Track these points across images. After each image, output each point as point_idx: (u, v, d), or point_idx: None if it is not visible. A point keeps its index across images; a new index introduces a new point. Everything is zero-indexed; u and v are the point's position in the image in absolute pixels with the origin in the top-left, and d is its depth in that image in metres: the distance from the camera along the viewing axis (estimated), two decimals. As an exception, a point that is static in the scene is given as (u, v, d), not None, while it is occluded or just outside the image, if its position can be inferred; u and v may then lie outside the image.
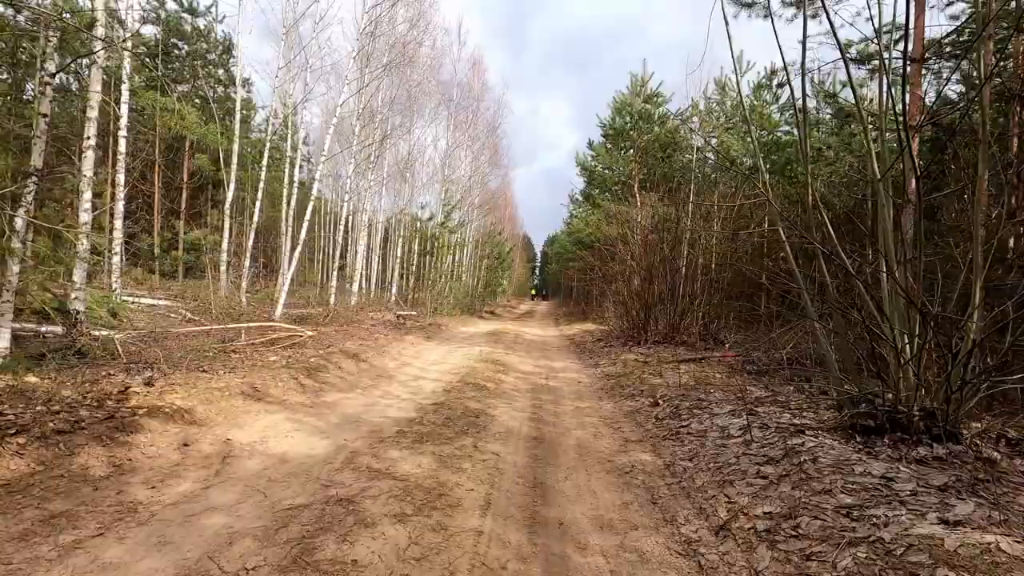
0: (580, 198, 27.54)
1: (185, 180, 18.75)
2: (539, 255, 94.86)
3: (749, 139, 17.17)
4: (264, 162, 12.40)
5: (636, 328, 10.45)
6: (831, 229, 4.24)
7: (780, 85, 15.45)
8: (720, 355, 7.91)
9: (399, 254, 22.94)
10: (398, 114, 19.56)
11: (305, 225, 10.80)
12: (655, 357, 8.27)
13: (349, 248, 23.03)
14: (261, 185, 12.36)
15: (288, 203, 12.76)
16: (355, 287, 17.13)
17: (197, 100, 19.82)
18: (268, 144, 12.89)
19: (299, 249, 10.78)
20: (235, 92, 13.11)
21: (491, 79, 49.86)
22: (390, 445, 3.74)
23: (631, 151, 19.19)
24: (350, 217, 18.57)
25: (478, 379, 6.69)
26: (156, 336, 7.40)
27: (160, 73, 17.49)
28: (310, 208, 11.23)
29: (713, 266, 11.94)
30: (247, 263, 12.44)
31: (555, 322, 23.51)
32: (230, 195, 12.70)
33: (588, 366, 8.60)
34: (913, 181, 5.03)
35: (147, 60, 18.65)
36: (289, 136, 16.84)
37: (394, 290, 22.83)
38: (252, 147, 20.21)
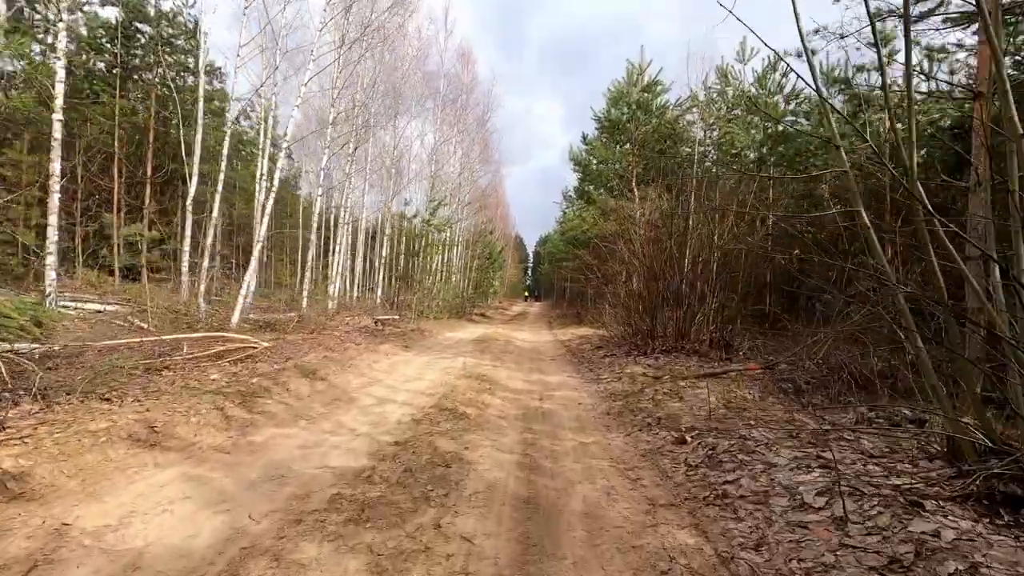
0: (574, 195, 26.44)
1: (149, 175, 17.37)
2: (532, 255, 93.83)
3: (753, 129, 16.17)
4: (224, 151, 11.11)
5: (640, 335, 9.29)
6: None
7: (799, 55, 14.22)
8: (744, 368, 6.76)
9: (385, 254, 21.71)
10: (379, 103, 18.32)
11: (265, 221, 9.55)
12: (666, 370, 7.11)
13: (331, 248, 21.81)
14: (220, 177, 11.06)
15: (265, 199, 11.48)
16: (333, 290, 15.86)
17: (164, 89, 18.46)
18: (228, 133, 11.60)
19: (259, 247, 9.52)
20: (200, 79, 11.85)
21: (481, 72, 48.67)
22: (311, 529, 2.52)
23: (628, 144, 18.07)
24: (326, 214, 17.30)
25: (457, 402, 5.49)
26: (73, 350, 6.13)
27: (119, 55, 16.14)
28: (270, 203, 9.98)
29: (716, 266, 10.81)
30: (205, 263, 11.14)
31: (548, 325, 22.35)
32: (192, 189, 11.41)
33: (588, 381, 7.41)
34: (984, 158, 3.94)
35: (105, 43, 17.25)
36: (263, 126, 15.55)
37: (379, 292, 21.59)
38: (240, 143, 18.91)
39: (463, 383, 6.58)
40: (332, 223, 20.79)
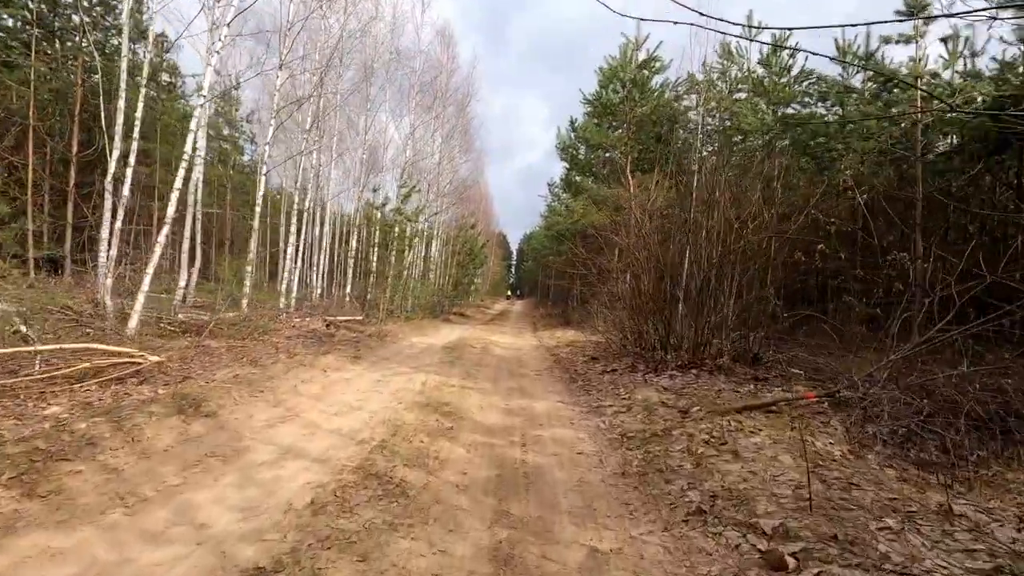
0: (560, 187, 24.63)
1: (74, 153, 15.04)
2: (515, 253, 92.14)
3: (761, 111, 14.55)
4: (137, 113, 8.96)
5: (648, 345, 7.51)
6: None
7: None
8: (797, 397, 5.00)
9: (354, 247, 19.64)
10: (345, 77, 16.26)
11: (173, 198, 7.51)
12: (693, 397, 5.32)
13: (304, 240, 19.58)
14: (133, 147, 8.92)
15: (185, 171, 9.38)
16: (285, 287, 13.81)
17: (100, 57, 16.12)
18: (143, 98, 9.46)
19: (165, 230, 7.47)
20: (126, 43, 9.74)
21: (463, 55, 46.69)
22: None
23: (622, 129, 16.30)
24: (290, 203, 15.16)
25: (399, 457, 3.62)
26: None
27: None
28: (196, 176, 7.97)
29: (737, 261, 9.05)
30: (112, 253, 9.02)
31: (532, 327, 20.54)
32: (112, 166, 9.27)
33: (587, 410, 5.58)
34: None
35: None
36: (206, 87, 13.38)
37: (349, 290, 19.53)
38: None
39: (415, 418, 4.70)
40: (293, 212, 18.67)
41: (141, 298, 7.19)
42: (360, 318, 13.70)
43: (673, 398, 5.38)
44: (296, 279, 16.66)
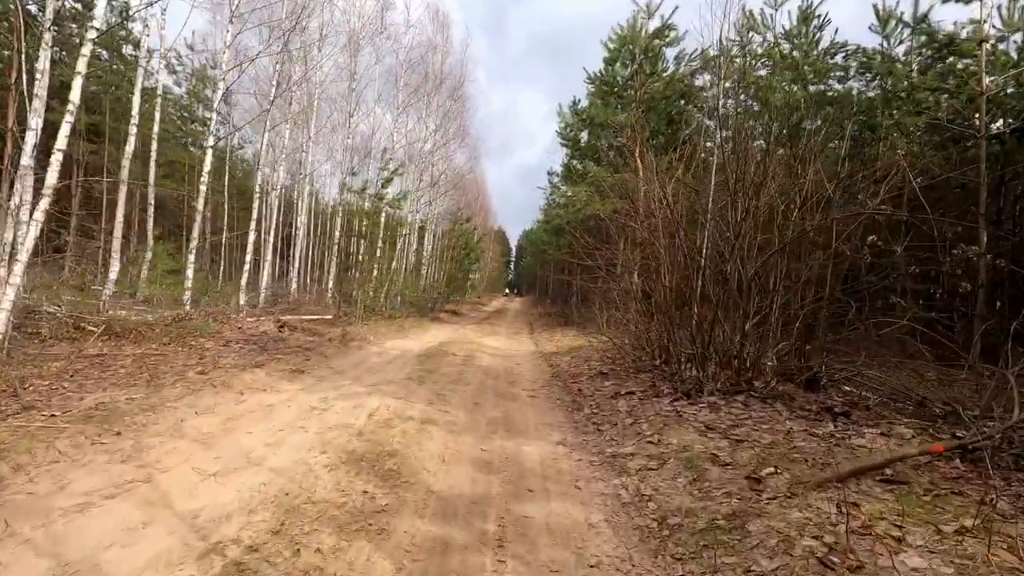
0: (560, 177, 22.85)
1: (9, 126, 13.30)
2: (514, 250, 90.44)
3: (795, 86, 12.84)
4: (76, 83, 7.18)
5: (676, 361, 5.80)
6: None
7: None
8: (924, 452, 3.29)
9: (337, 239, 17.89)
10: (318, 46, 14.49)
11: (54, 161, 5.77)
12: (757, 446, 3.60)
13: (278, 229, 17.76)
14: (38, 107, 7.16)
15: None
16: (244, 280, 12.08)
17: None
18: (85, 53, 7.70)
19: (44, 205, 5.74)
20: None
21: (455, 36, 44.85)
22: None
23: (633, 105, 14.52)
24: (273, 192, 13.38)
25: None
26: None
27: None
28: (130, 148, 6.21)
29: (783, 257, 7.29)
30: (7, 237, 7.28)
31: (529, 327, 18.81)
32: (31, 140, 7.51)
33: (601, 463, 3.84)
34: None
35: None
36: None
37: (330, 284, 17.80)
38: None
39: (334, 484, 2.98)
40: (272, 200, 16.91)
41: (10, 292, 5.45)
42: (329, 317, 11.99)
43: (727, 446, 3.66)
44: (265, 272, 14.95)
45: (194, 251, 9.24)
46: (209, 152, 9.36)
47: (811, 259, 5.51)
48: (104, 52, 16.04)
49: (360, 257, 16.61)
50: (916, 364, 6.13)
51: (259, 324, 8.91)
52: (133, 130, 9.20)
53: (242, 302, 11.90)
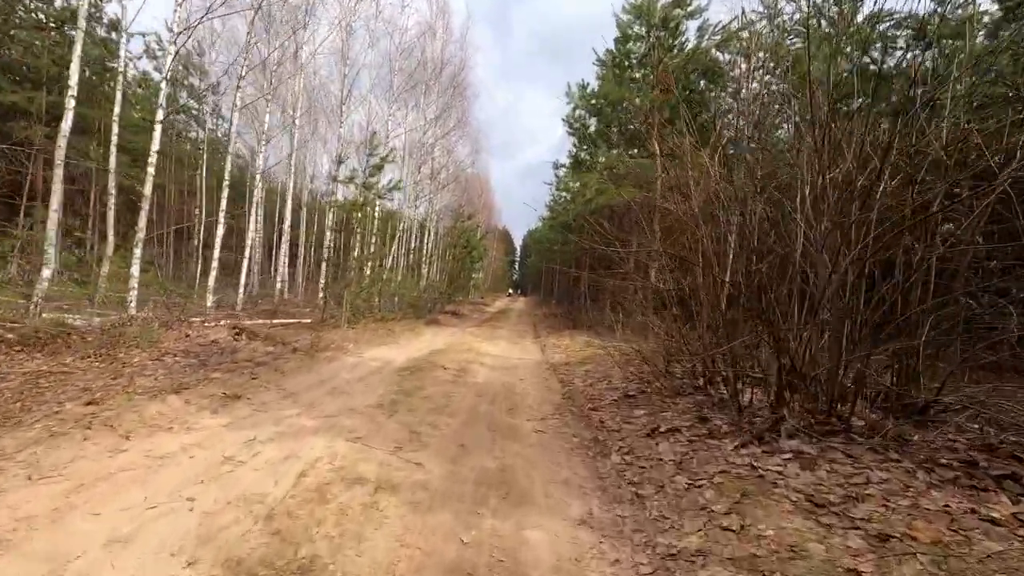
0: (567, 170, 21.38)
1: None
2: (518, 249, 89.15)
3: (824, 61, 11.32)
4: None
5: (730, 381, 4.32)
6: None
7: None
8: None
9: (329, 236, 16.49)
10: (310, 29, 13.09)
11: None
12: (909, 547, 2.12)
13: (258, 224, 16.30)
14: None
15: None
16: (211, 280, 10.70)
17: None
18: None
19: None
20: None
21: (456, 22, 43.54)
22: None
23: (647, 89, 13.03)
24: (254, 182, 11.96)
25: None
26: None
27: None
28: (67, 126, 4.96)
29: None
30: None
31: (534, 330, 17.33)
32: None
33: (652, 572, 2.41)
34: None
35: None
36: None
37: (321, 283, 16.41)
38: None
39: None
40: (257, 193, 15.58)
41: None
42: (308, 320, 10.58)
43: (863, 547, 2.19)
44: (246, 270, 13.57)
45: (140, 244, 7.84)
46: (158, 128, 7.96)
47: (925, 249, 4.01)
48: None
49: (348, 253, 15.22)
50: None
51: (213, 331, 7.50)
52: (70, 104, 7.82)
53: (209, 303, 10.51)
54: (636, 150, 12.20)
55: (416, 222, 27.22)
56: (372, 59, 23.75)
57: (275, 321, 9.98)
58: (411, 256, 27.03)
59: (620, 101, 12.17)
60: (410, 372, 6.62)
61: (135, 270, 7.88)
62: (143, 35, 18.22)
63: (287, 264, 16.56)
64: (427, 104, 21.28)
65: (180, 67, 20.20)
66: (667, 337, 5.96)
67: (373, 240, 17.62)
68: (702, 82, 13.23)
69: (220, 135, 24.18)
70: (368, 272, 17.14)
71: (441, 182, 24.15)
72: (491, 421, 4.65)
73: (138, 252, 7.86)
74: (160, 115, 8.02)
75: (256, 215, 14.01)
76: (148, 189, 7.87)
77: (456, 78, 21.47)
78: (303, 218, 22.22)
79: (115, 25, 17.64)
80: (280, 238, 16.23)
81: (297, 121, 15.87)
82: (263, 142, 13.25)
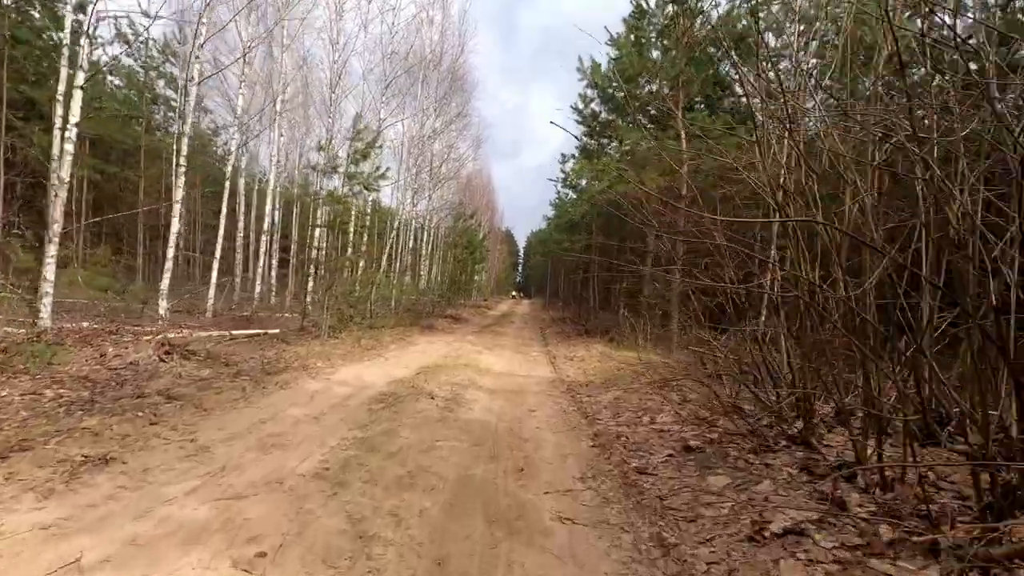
0: (576, 160, 19.73)
1: None
2: (522, 251, 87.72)
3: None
4: None
5: (872, 433, 2.68)
6: None
7: None
8: None
9: (318, 235, 14.93)
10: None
11: None
12: None
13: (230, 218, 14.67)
14: None
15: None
16: (164, 283, 9.14)
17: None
18: None
19: None
20: None
21: (455, 10, 42.23)
22: None
23: (669, 62, 11.38)
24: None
25: None
26: None
27: None
28: None
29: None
30: None
31: (540, 335, 15.69)
32: None
33: None
34: None
35: None
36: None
37: (310, 287, 14.85)
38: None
39: None
40: (240, 186, 14.00)
41: None
42: (276, 331, 9.01)
43: None
44: (217, 272, 12.02)
45: (54, 242, 6.27)
46: (77, 95, 6.38)
47: None
48: None
49: (342, 253, 13.68)
50: None
51: (143, 347, 5.90)
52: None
53: (161, 311, 8.93)
54: (656, 132, 10.59)
55: (414, 221, 25.70)
56: (364, 43, 22.23)
57: (237, 332, 8.40)
58: (409, 257, 25.48)
59: (639, 76, 10.50)
60: (384, 406, 4.99)
61: (49, 272, 6.30)
62: None
63: (268, 266, 14.97)
64: (425, 95, 19.76)
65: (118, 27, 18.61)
66: (732, 357, 4.32)
67: (363, 238, 16.04)
68: (734, 53, 11.57)
69: (206, 127, 22.68)
70: (357, 274, 15.56)
71: (440, 175, 22.55)
72: (491, 500, 3.02)
73: (52, 250, 6.28)
74: (80, 79, 6.45)
75: (240, 211, 12.46)
76: (65, 172, 6.30)
77: (455, 63, 19.91)
78: (295, 216, 20.64)
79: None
80: (260, 237, 14.65)
81: (279, 107, 14.31)
82: (237, 127, 11.70)
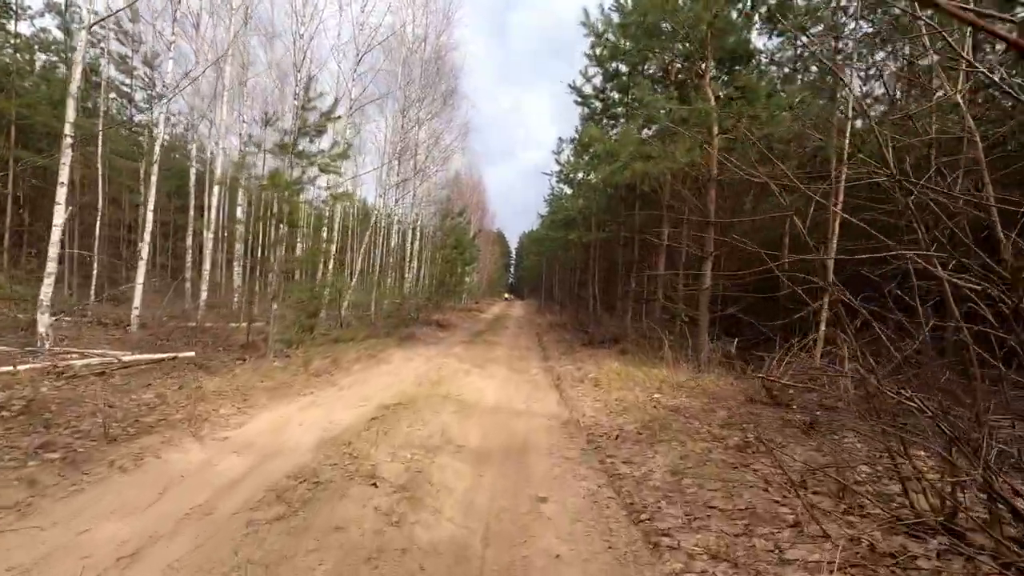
0: (572, 155, 17.64)
1: None
2: (514, 253, 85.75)
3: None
4: None
5: None
6: None
7: None
8: None
9: (283, 231, 12.68)
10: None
11: None
12: None
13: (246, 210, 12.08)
14: None
15: None
16: (45, 288, 6.92)
17: None
18: None
19: None
20: None
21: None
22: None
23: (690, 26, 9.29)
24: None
25: None
26: None
27: None
28: None
29: None
30: None
31: (539, 345, 13.53)
32: None
33: None
34: None
35: None
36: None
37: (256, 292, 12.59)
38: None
39: None
40: (194, 171, 11.80)
41: None
42: (192, 354, 6.80)
43: None
44: (144, 273, 9.78)
45: None
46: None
47: None
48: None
49: (276, 252, 11.43)
50: None
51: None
52: None
53: (42, 328, 6.68)
54: (680, 100, 8.50)
55: (397, 219, 23.50)
56: (338, 21, 20.05)
57: (134, 358, 6.17)
58: (392, 258, 23.27)
59: (660, 19, 8.31)
60: (285, 510, 2.82)
61: None
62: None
63: (223, 266, 12.71)
64: (409, 82, 17.59)
65: None
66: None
67: (325, 235, 13.82)
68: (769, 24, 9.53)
69: (173, 117, 20.18)
70: (328, 277, 13.36)
71: (425, 167, 20.35)
72: None
73: None
74: None
75: (191, 203, 10.20)
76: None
77: (439, 40, 17.76)
78: (252, 208, 18.26)
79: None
80: (204, 232, 12.36)
81: (227, 81, 12.06)
82: (168, 96, 9.46)
